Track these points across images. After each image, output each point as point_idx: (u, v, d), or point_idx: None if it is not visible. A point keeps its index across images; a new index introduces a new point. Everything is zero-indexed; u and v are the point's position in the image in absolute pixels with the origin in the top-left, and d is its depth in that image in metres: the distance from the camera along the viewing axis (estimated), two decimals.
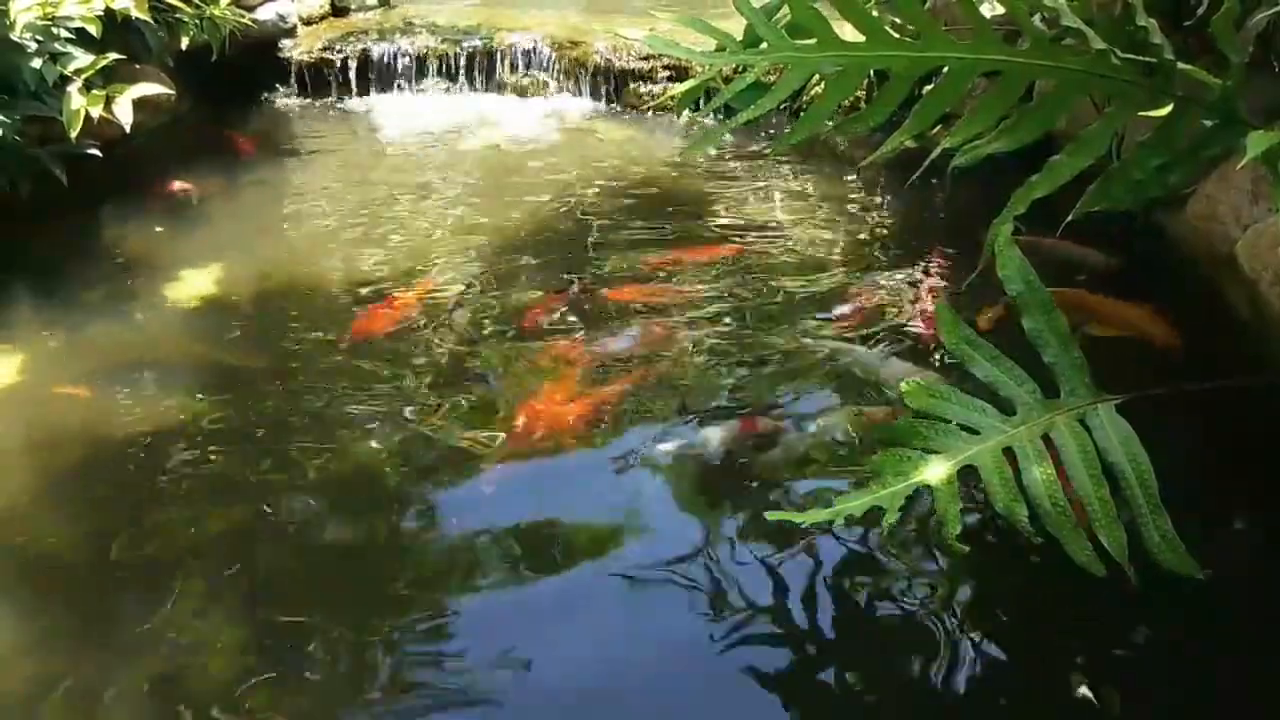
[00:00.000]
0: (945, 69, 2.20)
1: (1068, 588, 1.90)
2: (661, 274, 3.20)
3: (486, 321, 2.94)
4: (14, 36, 3.42)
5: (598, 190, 3.90)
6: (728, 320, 2.95)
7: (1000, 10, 2.49)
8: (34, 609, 2.00)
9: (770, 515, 2.02)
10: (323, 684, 1.84)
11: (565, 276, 3.19)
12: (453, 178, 4.08)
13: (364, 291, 3.10)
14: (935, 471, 1.89)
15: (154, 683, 1.83)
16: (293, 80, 4.97)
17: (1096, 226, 2.43)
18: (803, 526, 2.02)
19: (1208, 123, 2.09)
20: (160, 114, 4.11)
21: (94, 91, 3.58)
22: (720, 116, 4.37)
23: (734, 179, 4.03)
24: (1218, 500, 2.20)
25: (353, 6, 5.39)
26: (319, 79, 4.96)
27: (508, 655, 1.89)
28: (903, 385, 2.06)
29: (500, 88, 4.95)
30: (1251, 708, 1.79)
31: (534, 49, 4.93)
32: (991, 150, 2.26)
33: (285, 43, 4.99)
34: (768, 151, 4.25)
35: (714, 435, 2.45)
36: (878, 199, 3.82)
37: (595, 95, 4.88)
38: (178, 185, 3.85)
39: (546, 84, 4.91)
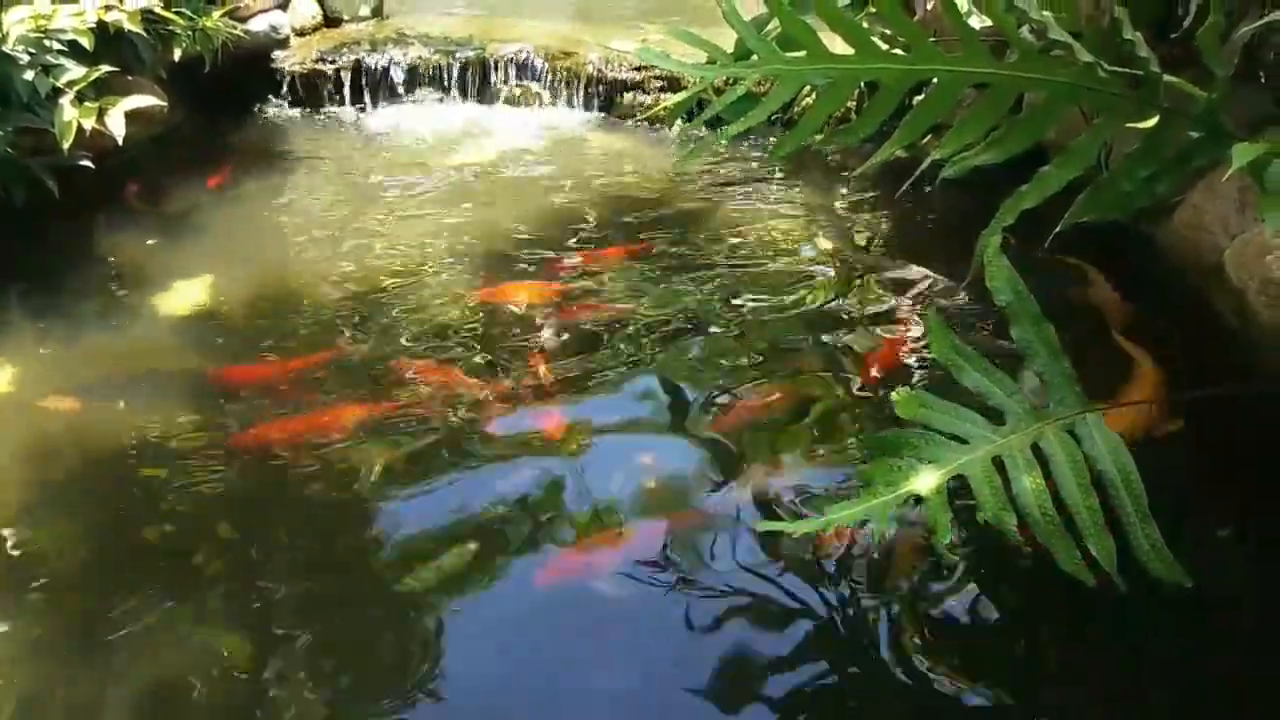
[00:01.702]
0: (935, 80, 2.22)
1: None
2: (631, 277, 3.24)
3: (482, 321, 2.96)
4: (6, 49, 3.43)
5: (590, 201, 3.91)
6: (715, 327, 2.96)
7: (989, 22, 2.50)
8: (26, 617, 2.00)
9: (759, 526, 2.03)
10: (319, 687, 1.84)
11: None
12: (445, 188, 4.08)
13: (356, 297, 3.11)
14: (925, 481, 1.90)
15: (146, 694, 1.83)
16: (285, 91, 4.97)
17: (1085, 238, 2.44)
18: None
19: (1194, 134, 2.10)
20: (153, 125, 4.11)
21: (86, 103, 3.58)
22: (712, 128, 4.38)
23: (726, 189, 4.04)
24: (1207, 509, 2.22)
25: (345, 17, 5.40)
26: (312, 90, 4.96)
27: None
28: (894, 395, 2.07)
29: (493, 98, 4.95)
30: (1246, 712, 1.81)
31: (527, 60, 4.93)
32: (981, 161, 2.27)
33: (278, 54, 4.98)
34: (760, 162, 4.26)
35: (701, 442, 2.47)
36: (868, 208, 3.83)
37: (588, 106, 4.88)
38: (170, 196, 3.86)
39: (539, 95, 4.92)
